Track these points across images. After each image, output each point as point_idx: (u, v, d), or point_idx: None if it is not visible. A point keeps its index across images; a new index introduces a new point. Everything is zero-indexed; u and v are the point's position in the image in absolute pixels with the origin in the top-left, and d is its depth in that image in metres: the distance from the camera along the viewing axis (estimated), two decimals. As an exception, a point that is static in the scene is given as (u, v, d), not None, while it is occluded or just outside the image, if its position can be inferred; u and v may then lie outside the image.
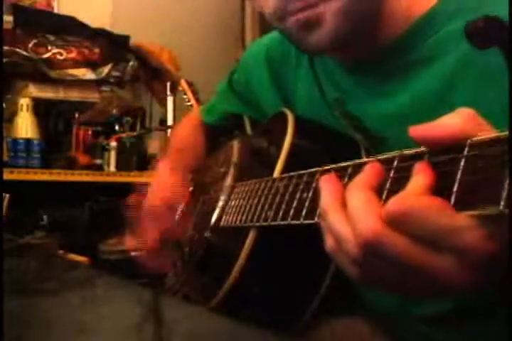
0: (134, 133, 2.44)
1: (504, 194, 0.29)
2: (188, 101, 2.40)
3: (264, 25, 2.85)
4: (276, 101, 0.82)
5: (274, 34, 0.87)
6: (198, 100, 2.36)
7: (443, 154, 0.35)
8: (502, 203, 0.29)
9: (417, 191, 0.35)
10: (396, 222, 0.35)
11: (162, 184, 0.91)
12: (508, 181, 0.29)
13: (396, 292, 0.45)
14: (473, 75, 0.56)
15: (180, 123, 1.11)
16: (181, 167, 0.95)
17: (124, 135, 2.40)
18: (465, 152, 0.33)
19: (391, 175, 0.39)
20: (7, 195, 1.99)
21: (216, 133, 0.99)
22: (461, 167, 0.33)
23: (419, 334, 0.67)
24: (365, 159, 0.42)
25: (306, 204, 0.48)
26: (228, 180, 0.77)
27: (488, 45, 0.33)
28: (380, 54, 0.64)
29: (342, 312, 0.69)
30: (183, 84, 2.43)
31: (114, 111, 2.38)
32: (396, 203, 0.35)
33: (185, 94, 2.42)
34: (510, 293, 0.31)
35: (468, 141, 0.33)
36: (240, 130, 0.91)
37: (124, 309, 0.30)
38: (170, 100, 2.50)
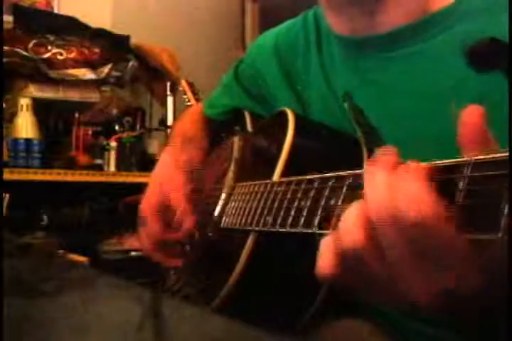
0: (134, 133, 2.44)
1: (503, 220, 0.28)
2: (188, 101, 2.40)
3: (264, 26, 2.84)
4: (286, 92, 0.80)
5: (283, 24, 0.85)
6: (198, 100, 2.36)
7: (443, 173, 0.33)
8: (501, 230, 0.28)
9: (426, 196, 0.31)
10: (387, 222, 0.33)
11: (163, 180, 0.85)
12: (507, 206, 0.28)
13: (363, 296, 0.43)
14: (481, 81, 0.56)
15: (183, 116, 1.07)
16: (184, 161, 0.89)
17: (124, 135, 2.40)
18: (467, 172, 0.31)
19: None
20: (7, 195, 1.99)
21: (218, 128, 0.95)
22: (460, 188, 0.31)
23: (423, 335, 0.66)
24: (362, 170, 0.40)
25: (305, 213, 0.48)
26: (229, 179, 0.77)
27: (489, 68, 0.31)
28: (387, 35, 0.64)
29: (343, 314, 0.69)
30: (183, 84, 2.43)
31: (114, 111, 2.38)
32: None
33: (185, 94, 2.42)
34: (510, 292, 0.31)
35: (472, 159, 0.31)
36: (240, 125, 0.88)
37: (124, 309, 0.30)
38: (170, 100, 2.51)
